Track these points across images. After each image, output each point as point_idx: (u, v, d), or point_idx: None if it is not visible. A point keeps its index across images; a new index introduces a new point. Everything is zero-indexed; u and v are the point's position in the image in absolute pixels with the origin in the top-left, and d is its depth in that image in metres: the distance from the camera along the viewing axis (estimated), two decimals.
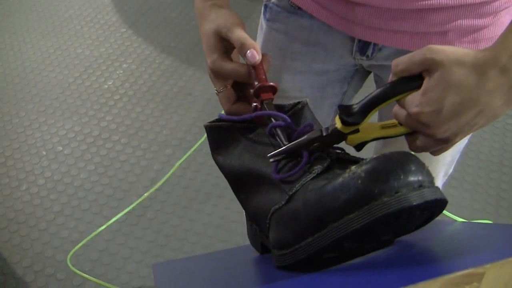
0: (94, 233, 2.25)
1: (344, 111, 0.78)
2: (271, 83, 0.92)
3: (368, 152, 1.50)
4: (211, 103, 2.96)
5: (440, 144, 0.79)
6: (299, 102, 0.92)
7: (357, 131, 0.80)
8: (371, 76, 1.32)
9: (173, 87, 3.08)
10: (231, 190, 0.92)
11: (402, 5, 1.03)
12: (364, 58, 1.17)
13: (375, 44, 1.14)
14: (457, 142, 0.79)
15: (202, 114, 2.90)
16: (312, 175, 0.76)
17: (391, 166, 0.66)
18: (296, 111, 0.90)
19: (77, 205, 2.46)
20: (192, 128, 2.82)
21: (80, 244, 2.22)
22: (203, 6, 1.03)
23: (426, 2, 1.01)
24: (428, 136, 0.78)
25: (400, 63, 0.77)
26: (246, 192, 0.87)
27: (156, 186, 2.41)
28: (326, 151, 0.80)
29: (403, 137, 0.86)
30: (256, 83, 0.92)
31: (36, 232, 2.36)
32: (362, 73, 1.30)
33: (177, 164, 2.39)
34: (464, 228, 0.95)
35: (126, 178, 2.59)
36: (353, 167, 0.69)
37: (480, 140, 2.75)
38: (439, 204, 0.70)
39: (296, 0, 1.16)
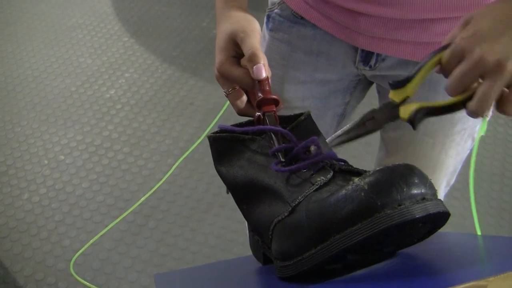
0: (92, 240, 2.25)
1: (394, 80, 0.82)
2: (274, 96, 0.92)
3: (370, 164, 1.50)
4: (213, 113, 2.96)
5: (496, 80, 0.74)
6: (301, 114, 0.92)
7: (407, 98, 0.82)
8: (373, 88, 1.32)
9: (175, 96, 3.08)
10: (233, 200, 0.92)
11: (405, 15, 1.03)
12: (367, 68, 1.17)
13: (378, 54, 1.14)
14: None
15: (204, 123, 2.91)
16: (315, 187, 0.76)
17: (394, 179, 0.67)
18: (299, 123, 0.90)
19: (79, 214, 2.46)
20: (194, 138, 2.82)
21: (80, 252, 2.22)
22: (225, 6, 1.03)
23: (429, 12, 1.02)
24: (477, 68, 0.75)
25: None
26: (249, 203, 0.87)
27: (149, 194, 2.40)
28: (329, 162, 0.80)
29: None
30: (259, 94, 0.92)
31: (38, 241, 2.36)
32: (365, 84, 1.30)
33: (170, 171, 2.38)
34: (467, 240, 0.95)
35: (128, 188, 2.59)
36: (356, 179, 0.69)
37: (482, 152, 2.75)
38: (441, 217, 0.70)
39: (299, 10, 1.17)
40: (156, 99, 3.07)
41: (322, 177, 0.76)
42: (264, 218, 0.82)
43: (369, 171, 0.72)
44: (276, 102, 0.92)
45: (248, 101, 0.99)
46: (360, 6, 1.06)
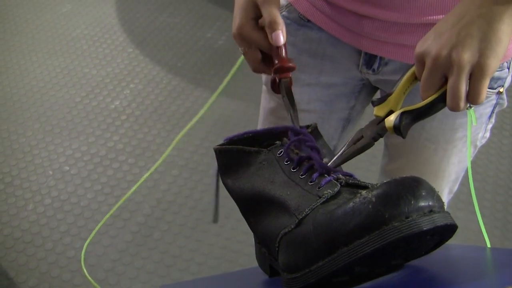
0: (87, 241, 2.25)
1: (376, 98, 0.87)
2: (290, 64, 0.97)
3: (375, 175, 1.50)
4: (218, 124, 2.96)
5: (456, 73, 0.78)
6: (309, 125, 0.92)
7: (391, 112, 0.85)
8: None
9: (180, 107, 3.08)
10: (238, 211, 0.92)
11: (408, 19, 1.05)
12: (370, 71, 1.18)
13: (381, 58, 1.15)
14: (465, 61, 0.78)
15: (210, 134, 2.91)
16: (322, 199, 0.76)
17: (402, 191, 0.67)
18: None
19: (84, 225, 2.46)
20: (199, 149, 2.82)
21: (85, 263, 2.22)
22: None
23: (433, 16, 1.03)
24: (436, 67, 0.80)
25: None
26: (255, 215, 0.87)
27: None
28: (335, 176, 0.80)
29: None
30: (276, 61, 0.97)
31: (43, 251, 2.36)
32: (369, 89, 1.31)
33: (145, 176, 2.38)
34: (474, 252, 0.95)
35: (133, 199, 2.59)
36: (363, 192, 0.70)
37: (487, 163, 2.75)
38: (449, 229, 0.70)
39: (306, 13, 1.18)
40: (161, 110, 3.07)
41: (329, 190, 0.77)
42: (271, 230, 0.82)
43: (376, 184, 0.72)
44: (292, 70, 0.98)
45: (263, 59, 1.02)
46: (364, 9, 1.07)
